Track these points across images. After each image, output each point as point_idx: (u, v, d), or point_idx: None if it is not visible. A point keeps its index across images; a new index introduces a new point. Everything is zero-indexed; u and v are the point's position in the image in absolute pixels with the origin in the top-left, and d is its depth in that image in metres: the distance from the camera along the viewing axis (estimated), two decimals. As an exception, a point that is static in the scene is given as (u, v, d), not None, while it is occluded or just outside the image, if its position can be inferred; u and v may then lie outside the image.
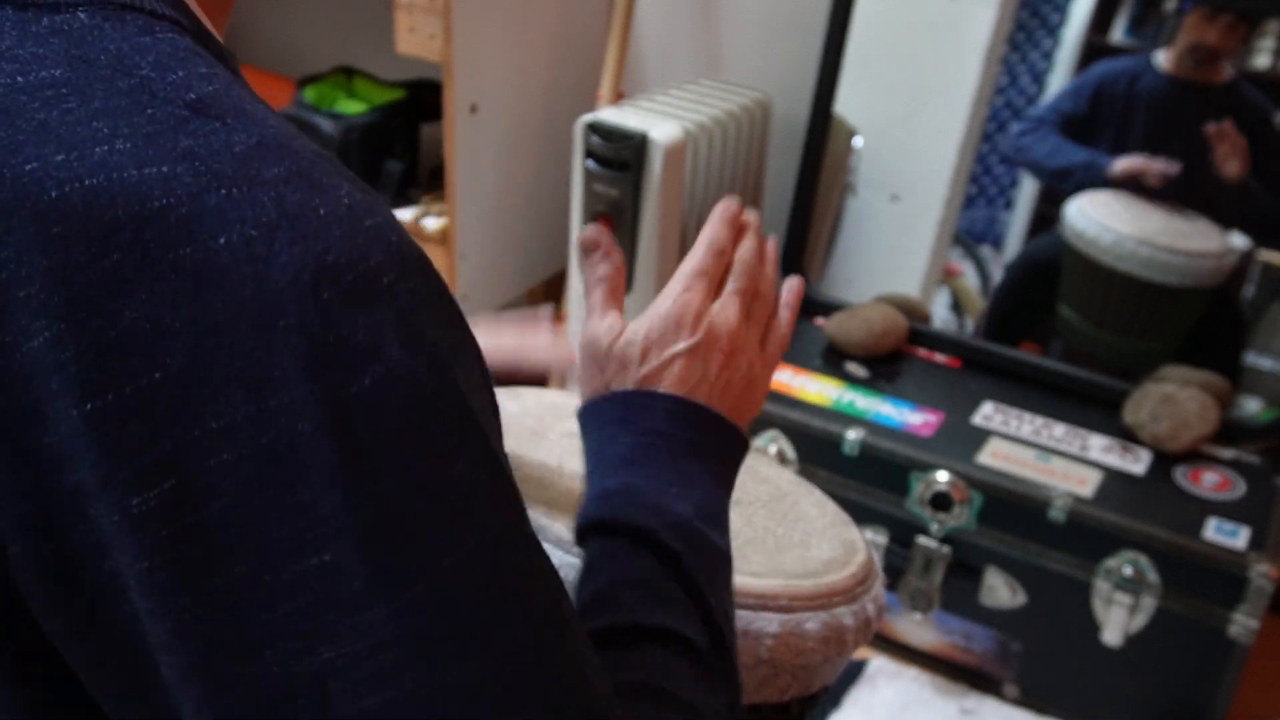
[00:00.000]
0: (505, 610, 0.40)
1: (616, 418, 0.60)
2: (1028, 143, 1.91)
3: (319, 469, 0.36)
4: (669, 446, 0.58)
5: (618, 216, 1.58)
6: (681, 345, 0.61)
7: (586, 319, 0.64)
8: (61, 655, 0.39)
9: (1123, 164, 1.78)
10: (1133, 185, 1.79)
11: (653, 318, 0.62)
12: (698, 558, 0.55)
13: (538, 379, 0.79)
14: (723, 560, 0.57)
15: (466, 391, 0.40)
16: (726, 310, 0.63)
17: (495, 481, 0.41)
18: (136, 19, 0.41)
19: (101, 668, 0.38)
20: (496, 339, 0.81)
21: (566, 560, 0.67)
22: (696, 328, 0.61)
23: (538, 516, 0.70)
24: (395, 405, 0.37)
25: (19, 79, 0.38)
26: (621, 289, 0.66)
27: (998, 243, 2.20)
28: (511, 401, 0.86)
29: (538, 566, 0.43)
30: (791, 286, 0.68)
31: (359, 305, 0.37)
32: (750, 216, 0.67)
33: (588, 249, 0.66)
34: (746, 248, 0.65)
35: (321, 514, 0.36)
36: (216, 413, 0.35)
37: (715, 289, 0.64)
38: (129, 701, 0.39)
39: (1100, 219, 1.78)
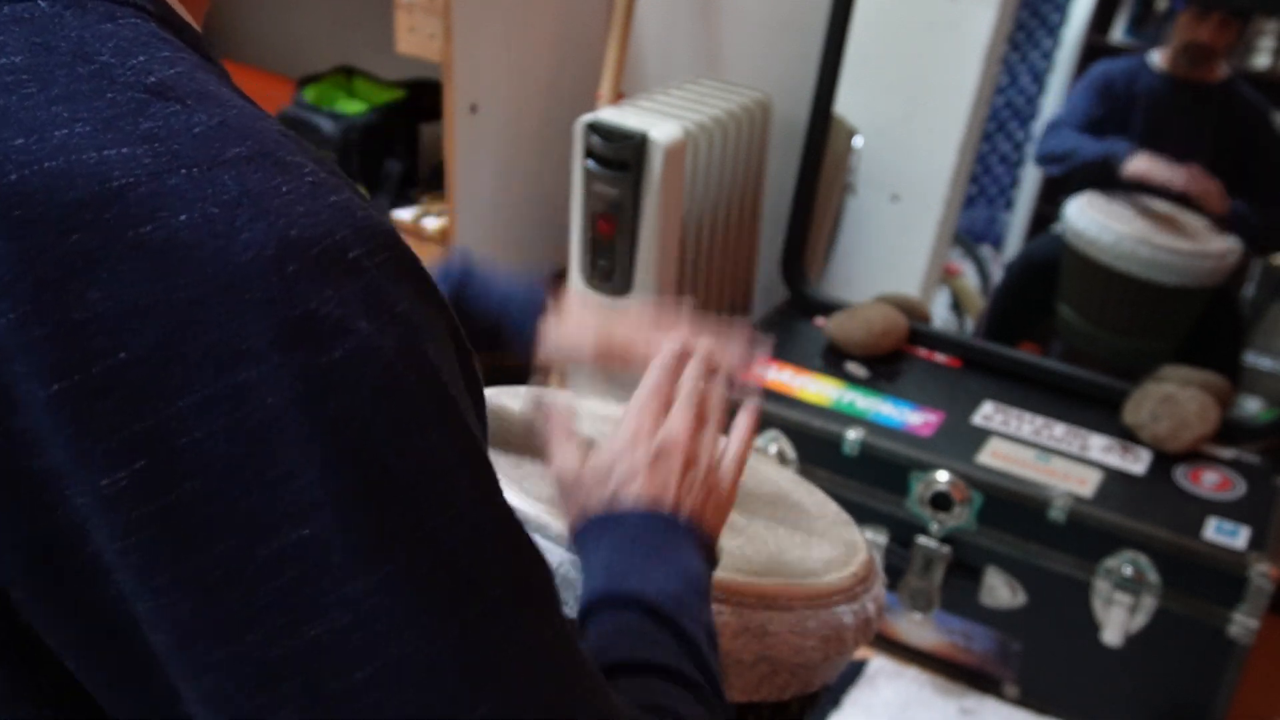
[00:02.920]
0: (485, 578, 0.40)
1: (594, 537, 0.63)
2: (1051, 144, 1.91)
3: (293, 442, 0.36)
4: (642, 548, 0.61)
5: (618, 216, 1.58)
6: (640, 459, 0.64)
7: (550, 460, 0.68)
8: (46, 643, 0.39)
9: (1135, 165, 1.78)
10: (1136, 184, 1.79)
11: (611, 440, 0.66)
12: (685, 612, 0.57)
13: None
14: (707, 626, 0.59)
15: (439, 364, 0.40)
16: (674, 424, 0.66)
17: (469, 454, 0.41)
18: (98, 6, 0.41)
19: (91, 652, 0.38)
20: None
21: (566, 557, 0.67)
22: (650, 440, 0.65)
23: (539, 514, 0.70)
24: (367, 378, 0.37)
25: None
26: (573, 425, 0.70)
27: (998, 243, 2.20)
28: (511, 402, 0.86)
29: (514, 539, 0.43)
30: (747, 412, 0.72)
31: (325, 279, 0.37)
32: (698, 345, 0.72)
33: (535, 413, 0.73)
34: (691, 371, 0.70)
35: (298, 487, 0.36)
36: (186, 390, 0.35)
37: (667, 405, 0.68)
38: (121, 686, 0.39)
39: (1100, 219, 1.78)
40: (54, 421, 0.35)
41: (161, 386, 0.35)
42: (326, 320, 0.36)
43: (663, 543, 0.61)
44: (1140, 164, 1.77)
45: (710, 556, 0.63)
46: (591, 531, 0.63)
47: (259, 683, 0.36)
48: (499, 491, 0.43)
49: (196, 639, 0.36)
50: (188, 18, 0.46)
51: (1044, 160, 2.01)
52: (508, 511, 0.43)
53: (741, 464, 0.69)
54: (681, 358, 0.71)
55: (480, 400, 0.47)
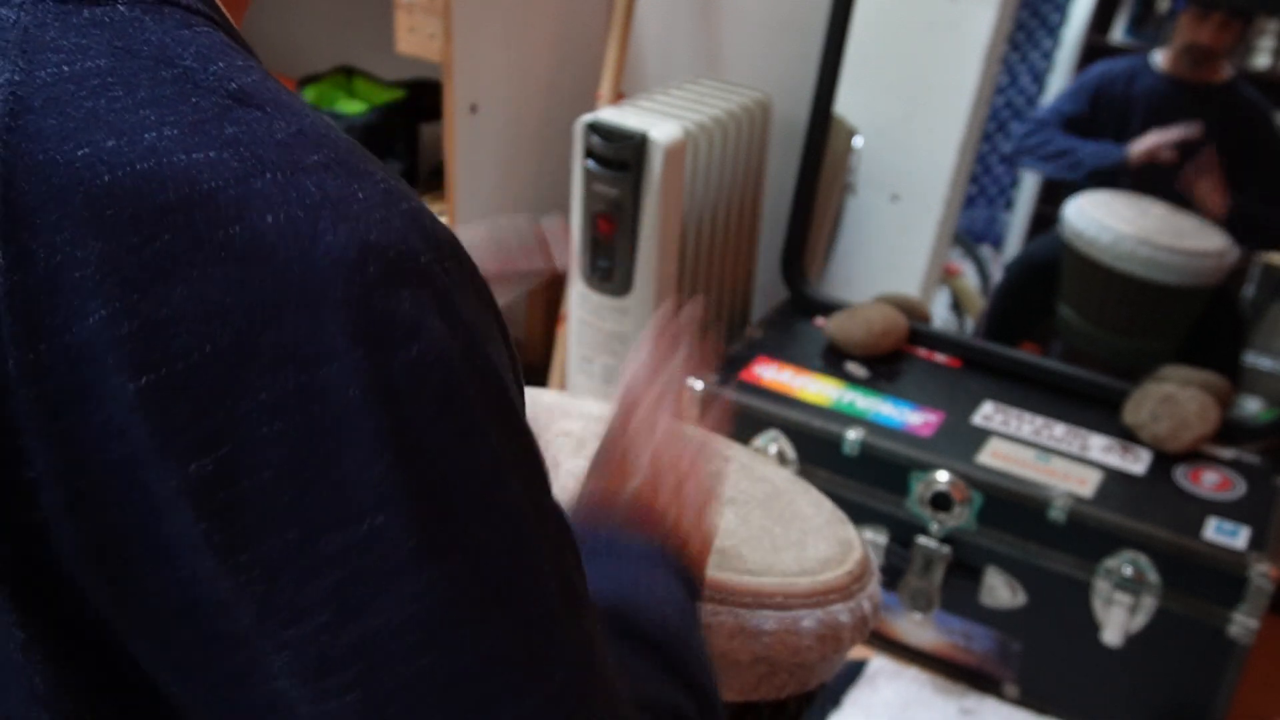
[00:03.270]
0: (539, 578, 0.42)
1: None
2: (1034, 143, 1.91)
3: (366, 438, 0.37)
4: (630, 574, 0.60)
5: (618, 216, 1.58)
6: (631, 489, 0.63)
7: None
8: (110, 635, 0.40)
9: (1139, 147, 1.77)
10: (1138, 180, 1.78)
11: (598, 465, 0.65)
12: (677, 642, 0.57)
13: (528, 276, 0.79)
14: (699, 654, 0.59)
15: (501, 368, 0.42)
16: (663, 448, 0.65)
17: (527, 455, 0.43)
18: (174, 13, 0.42)
19: (156, 637, 0.39)
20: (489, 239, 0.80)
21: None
22: (640, 469, 0.64)
23: None
24: (437, 378, 0.39)
25: (65, 69, 0.39)
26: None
27: (998, 243, 2.20)
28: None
29: (565, 540, 0.45)
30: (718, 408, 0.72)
31: (401, 282, 0.38)
32: (686, 319, 0.71)
33: None
34: (664, 376, 0.69)
35: (368, 481, 0.37)
36: (266, 385, 0.37)
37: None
38: (186, 669, 0.40)
39: (1100, 218, 1.78)
40: (140, 414, 0.36)
41: (243, 381, 0.36)
42: (402, 321, 0.38)
43: (651, 573, 0.61)
44: (1143, 143, 1.77)
45: (696, 584, 0.63)
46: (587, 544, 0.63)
47: (322, 667, 0.38)
48: (550, 492, 0.45)
49: (272, 617, 0.38)
50: (236, 27, 0.47)
51: (1021, 154, 2.01)
52: (560, 513, 0.45)
53: (719, 463, 0.68)
54: (668, 342, 0.70)
55: (524, 402, 0.48)
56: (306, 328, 0.37)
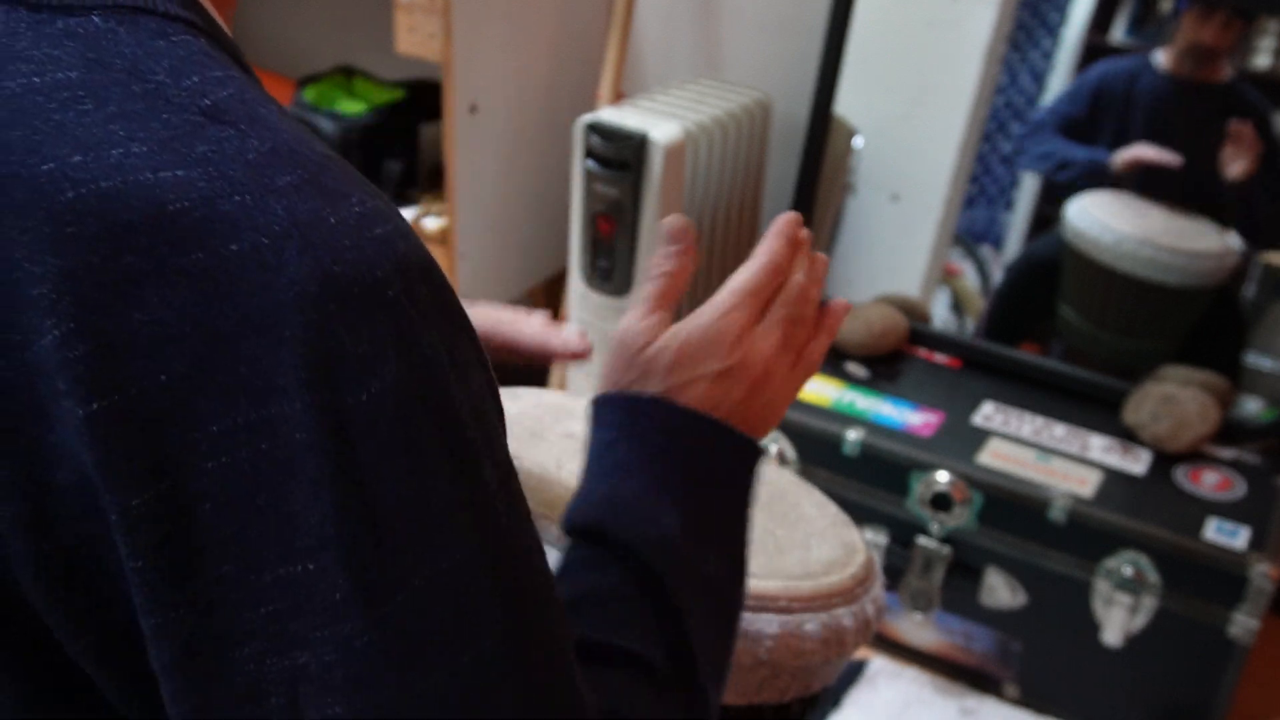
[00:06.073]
0: (482, 627, 0.40)
1: (626, 421, 0.57)
2: (1029, 146, 1.91)
3: (310, 479, 0.37)
4: (671, 460, 0.56)
5: (618, 216, 1.58)
6: (713, 367, 0.58)
7: (630, 310, 0.61)
8: (66, 653, 0.39)
9: (1124, 155, 1.78)
10: (1135, 182, 1.78)
11: (692, 330, 0.59)
12: (679, 577, 0.53)
13: (532, 357, 0.78)
14: (708, 580, 0.55)
15: (462, 403, 0.41)
16: (767, 339, 0.60)
17: (483, 497, 0.41)
18: (150, 22, 0.41)
19: (107, 662, 0.39)
20: (494, 316, 0.79)
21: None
22: (733, 352, 0.58)
23: (535, 517, 0.70)
24: (389, 420, 0.38)
25: (35, 79, 0.38)
26: (677, 293, 0.62)
27: (998, 243, 2.20)
28: (511, 402, 0.86)
29: (525, 582, 0.43)
30: (834, 310, 0.65)
31: (362, 318, 0.37)
32: (805, 233, 0.64)
33: (671, 239, 0.63)
34: (798, 274, 0.62)
35: (309, 523, 0.37)
36: (216, 417, 0.36)
37: (763, 309, 0.61)
38: (135, 697, 0.39)
39: (1101, 219, 1.78)
40: (89, 439, 0.36)
41: (193, 411, 0.36)
42: (358, 360, 0.37)
43: (688, 464, 0.56)
44: (1129, 152, 1.77)
45: (748, 455, 0.58)
46: (623, 413, 0.57)
47: (248, 693, 0.37)
48: (518, 529, 0.43)
49: (193, 654, 0.37)
50: (224, 25, 0.46)
51: (1030, 165, 2.01)
52: (522, 555, 0.43)
53: (817, 365, 0.63)
54: (792, 250, 0.62)
55: (501, 417, 0.47)
56: (261, 362, 0.36)
